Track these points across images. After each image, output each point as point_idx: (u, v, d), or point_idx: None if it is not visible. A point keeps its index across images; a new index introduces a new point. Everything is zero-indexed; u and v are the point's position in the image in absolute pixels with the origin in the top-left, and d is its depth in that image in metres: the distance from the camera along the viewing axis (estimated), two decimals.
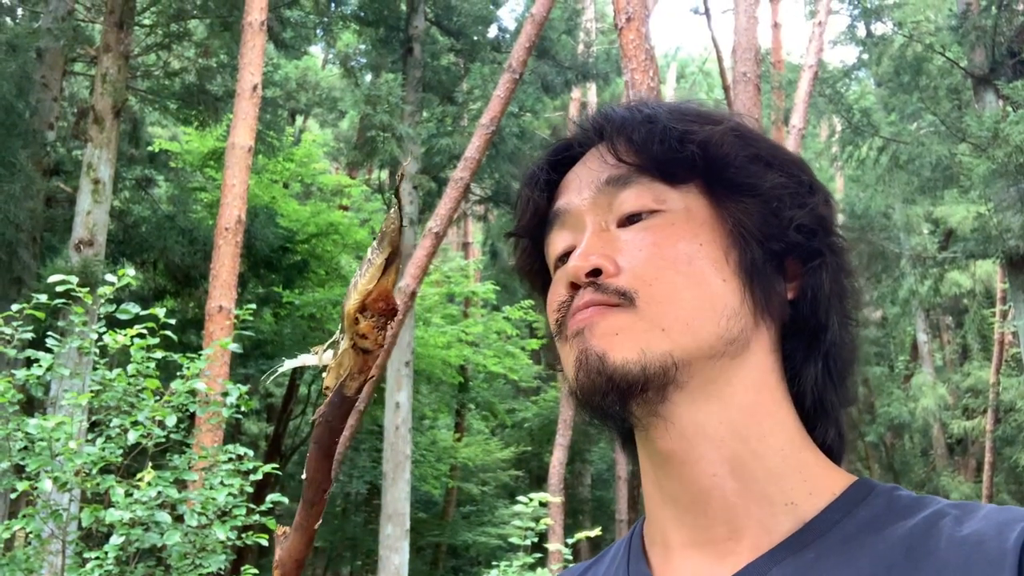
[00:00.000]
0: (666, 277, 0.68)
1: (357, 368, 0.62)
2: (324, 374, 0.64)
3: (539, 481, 18.09)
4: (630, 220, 0.72)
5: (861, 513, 0.66)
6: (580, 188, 0.76)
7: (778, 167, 0.74)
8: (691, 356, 0.67)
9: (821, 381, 0.73)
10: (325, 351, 0.65)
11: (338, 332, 0.64)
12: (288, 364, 0.67)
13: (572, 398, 0.72)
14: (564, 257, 0.76)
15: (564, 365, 0.73)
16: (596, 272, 0.70)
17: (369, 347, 0.62)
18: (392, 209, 0.65)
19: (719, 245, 0.71)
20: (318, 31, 14.14)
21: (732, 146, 0.73)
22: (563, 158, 0.79)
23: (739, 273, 0.70)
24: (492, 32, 15.13)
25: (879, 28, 16.32)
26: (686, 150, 0.71)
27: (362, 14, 14.04)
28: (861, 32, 17.27)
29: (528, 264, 0.82)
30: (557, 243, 0.77)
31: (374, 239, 0.66)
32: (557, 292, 0.74)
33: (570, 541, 6.87)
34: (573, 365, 0.69)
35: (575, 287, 0.71)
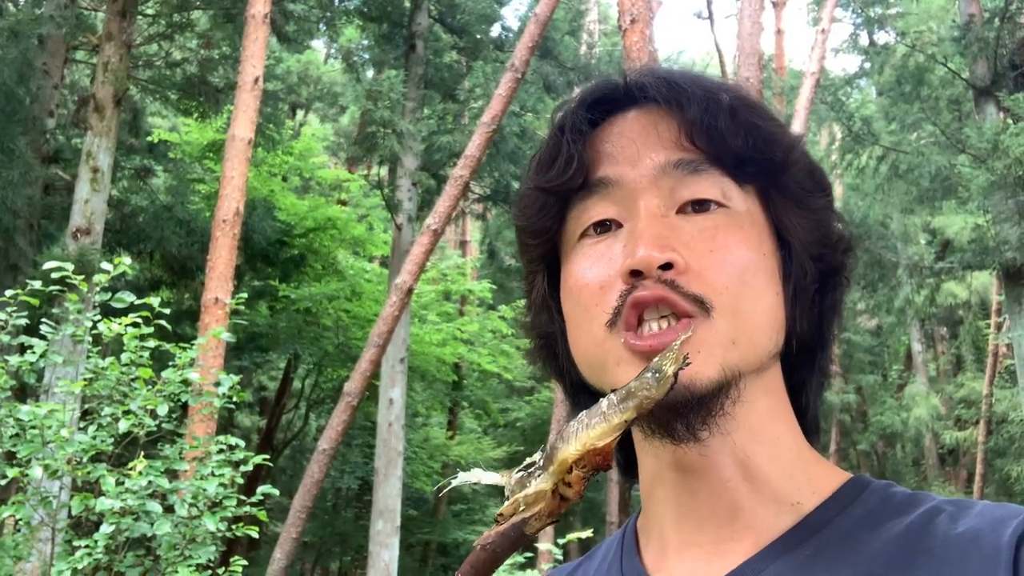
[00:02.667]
0: (736, 286, 0.66)
1: (548, 512, 0.58)
2: (507, 496, 0.59)
3: None
4: (690, 208, 0.68)
5: (856, 510, 0.65)
6: (635, 160, 0.69)
7: (821, 182, 0.73)
8: (750, 369, 0.66)
9: (816, 393, 0.75)
10: (516, 474, 0.59)
11: (537, 460, 0.59)
12: (463, 477, 0.62)
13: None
14: (599, 226, 0.70)
15: (610, 360, 0.67)
16: (667, 266, 0.65)
17: (570, 496, 0.58)
18: (653, 374, 0.57)
19: (776, 256, 0.70)
20: (321, 25, 14.12)
21: (801, 156, 0.72)
22: (599, 112, 0.72)
23: (788, 287, 0.70)
24: (495, 31, 15.14)
25: (882, 37, 16.38)
26: (770, 152, 0.69)
27: (365, 9, 14.03)
28: (864, 41, 17.32)
29: (550, 225, 0.74)
30: (594, 210, 0.70)
31: (615, 394, 0.57)
32: (604, 270, 0.68)
33: (561, 542, 6.88)
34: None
35: (635, 275, 0.65)
